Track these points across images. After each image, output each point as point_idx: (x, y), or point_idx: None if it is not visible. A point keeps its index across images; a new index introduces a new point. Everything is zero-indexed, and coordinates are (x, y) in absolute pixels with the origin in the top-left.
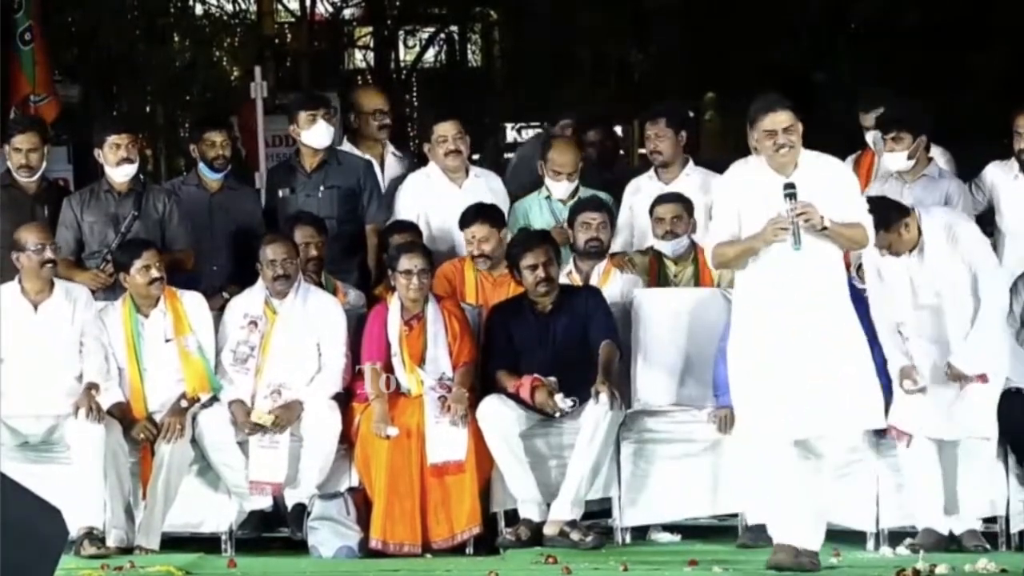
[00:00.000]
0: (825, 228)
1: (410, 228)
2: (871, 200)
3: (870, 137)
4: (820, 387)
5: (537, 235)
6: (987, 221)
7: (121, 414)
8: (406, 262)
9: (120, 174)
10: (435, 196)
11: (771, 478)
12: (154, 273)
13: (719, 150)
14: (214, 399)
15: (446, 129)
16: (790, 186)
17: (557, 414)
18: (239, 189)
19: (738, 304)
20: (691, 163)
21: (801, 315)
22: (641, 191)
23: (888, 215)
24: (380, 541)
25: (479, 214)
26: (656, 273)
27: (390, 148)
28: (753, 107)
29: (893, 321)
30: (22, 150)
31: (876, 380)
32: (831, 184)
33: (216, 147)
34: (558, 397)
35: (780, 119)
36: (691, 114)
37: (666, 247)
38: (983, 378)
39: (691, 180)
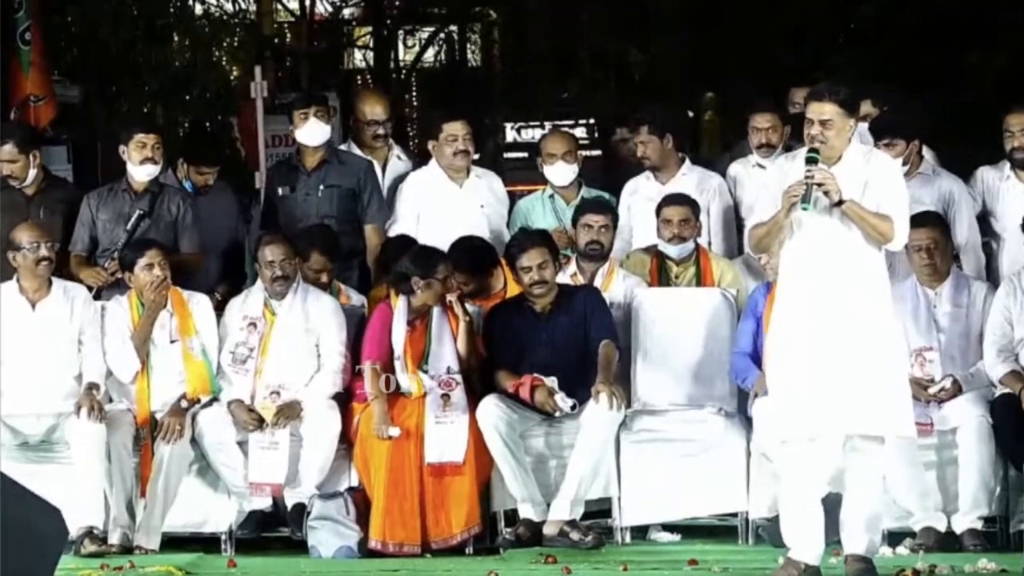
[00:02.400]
0: (842, 202)
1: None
2: None
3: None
4: (852, 385)
5: (534, 236)
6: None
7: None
8: (445, 269)
9: (142, 173)
10: (435, 195)
11: (794, 485)
12: (157, 272)
13: (719, 150)
14: (214, 399)
15: (456, 128)
16: (813, 151)
17: (557, 413)
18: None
19: (778, 298)
20: (687, 163)
21: (837, 309)
22: (639, 192)
23: None
24: (379, 541)
25: (457, 263)
26: (658, 273)
27: (395, 150)
28: (808, 92)
29: None
30: (3, 161)
31: (907, 384)
32: (870, 176)
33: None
34: (558, 397)
35: (821, 110)
36: (690, 113)
37: (672, 250)
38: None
39: (688, 179)
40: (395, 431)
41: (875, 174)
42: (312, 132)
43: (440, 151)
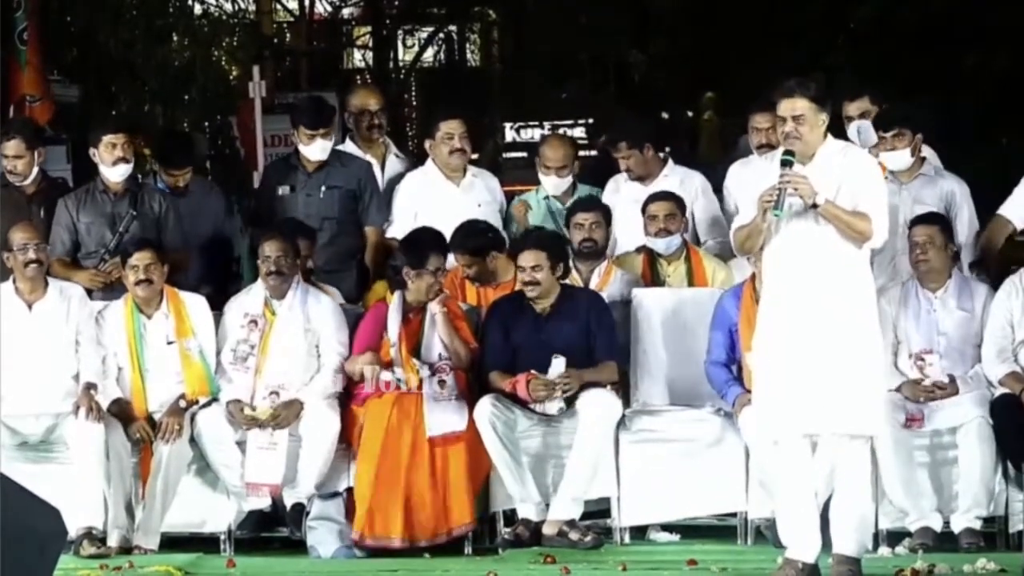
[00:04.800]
0: (816, 205)
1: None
2: None
3: (852, 128)
4: (828, 385)
5: (532, 237)
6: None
7: (120, 411)
8: (436, 261)
9: (115, 174)
10: (432, 195)
11: (786, 484)
12: (140, 275)
13: (718, 150)
14: (213, 399)
15: (453, 127)
16: (788, 152)
17: (538, 408)
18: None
19: (762, 298)
20: (669, 163)
21: (817, 309)
22: (620, 192)
23: None
24: (372, 536)
25: (460, 244)
26: (650, 272)
27: (392, 149)
28: (777, 89)
29: None
30: (8, 156)
31: (881, 384)
32: (847, 174)
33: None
34: (548, 404)
35: (794, 106)
36: (689, 113)
37: (659, 245)
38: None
39: (670, 181)
40: (388, 375)
41: (851, 170)
42: (316, 151)
43: (436, 150)
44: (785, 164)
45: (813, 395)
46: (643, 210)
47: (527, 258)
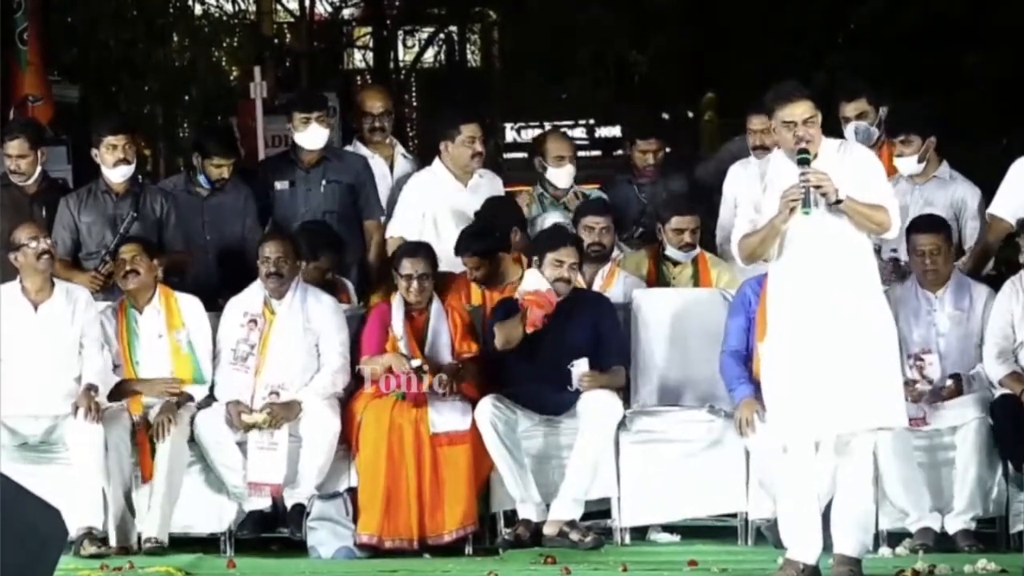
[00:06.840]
0: (839, 201)
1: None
2: None
3: (849, 129)
4: (847, 383)
5: (569, 236)
6: None
7: (121, 394)
8: (408, 266)
9: (117, 175)
10: (442, 195)
11: (791, 485)
12: (126, 266)
13: (717, 150)
14: (212, 398)
15: (475, 130)
16: (804, 152)
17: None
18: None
19: (770, 300)
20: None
21: (830, 307)
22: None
23: None
24: (376, 537)
25: (467, 246)
26: (655, 274)
27: (400, 149)
28: (770, 95)
29: None
30: (12, 156)
31: (899, 377)
32: (853, 168)
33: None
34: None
35: (799, 110)
36: (689, 113)
37: (683, 256)
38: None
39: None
40: (416, 361)
41: (855, 166)
42: (312, 137)
43: (456, 152)
44: (803, 163)
45: (835, 396)
46: (662, 220)
47: (569, 254)
